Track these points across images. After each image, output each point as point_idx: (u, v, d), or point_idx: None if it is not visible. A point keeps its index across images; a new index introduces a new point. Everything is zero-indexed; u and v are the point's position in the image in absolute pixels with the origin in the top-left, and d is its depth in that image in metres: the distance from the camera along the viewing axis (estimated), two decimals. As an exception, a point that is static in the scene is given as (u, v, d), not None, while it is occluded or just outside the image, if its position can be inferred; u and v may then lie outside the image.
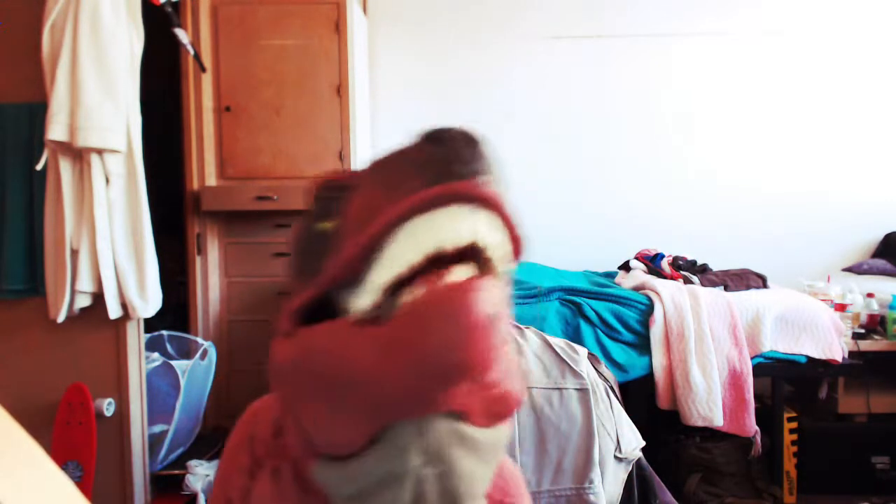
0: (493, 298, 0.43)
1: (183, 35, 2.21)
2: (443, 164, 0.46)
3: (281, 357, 0.57)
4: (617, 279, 2.93)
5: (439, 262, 0.47)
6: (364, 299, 0.49)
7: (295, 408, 0.58)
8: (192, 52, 2.32)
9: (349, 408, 0.52)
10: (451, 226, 0.46)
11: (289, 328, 0.59)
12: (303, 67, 2.86)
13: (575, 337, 2.42)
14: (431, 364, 0.42)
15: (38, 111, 1.87)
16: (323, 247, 0.55)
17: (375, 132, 3.46)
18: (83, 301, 1.88)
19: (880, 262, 3.12)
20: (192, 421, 2.46)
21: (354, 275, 0.49)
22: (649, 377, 2.45)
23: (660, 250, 2.94)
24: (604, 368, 2.08)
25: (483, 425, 0.56)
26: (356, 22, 3.01)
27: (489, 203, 0.48)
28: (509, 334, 0.58)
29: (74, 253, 1.84)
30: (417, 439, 0.55)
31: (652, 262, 2.88)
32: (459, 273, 0.47)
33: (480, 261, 0.49)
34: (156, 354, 2.42)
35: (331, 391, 0.52)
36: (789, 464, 2.56)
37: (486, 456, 0.60)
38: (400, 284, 0.49)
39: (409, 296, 0.46)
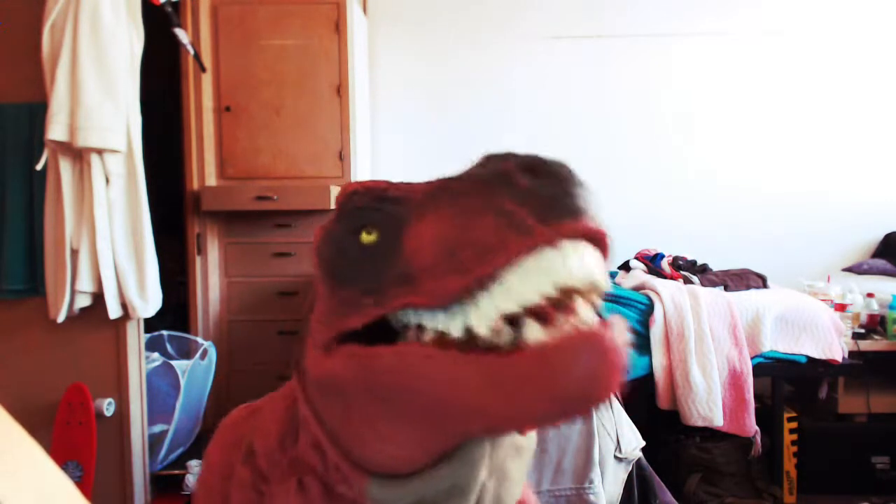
0: (624, 339, 0.43)
1: (183, 35, 2.21)
2: (553, 199, 0.45)
3: (333, 372, 0.55)
4: (617, 279, 2.93)
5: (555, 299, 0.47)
6: (456, 324, 0.48)
7: (348, 425, 0.57)
8: (192, 52, 2.32)
9: (430, 428, 0.51)
10: (568, 264, 0.45)
11: (329, 342, 0.57)
12: (303, 67, 2.86)
13: (575, 337, 2.42)
14: (567, 398, 0.42)
15: (38, 111, 1.87)
16: (366, 259, 0.54)
17: (375, 132, 3.46)
18: (83, 301, 1.88)
19: (880, 262, 3.12)
20: (192, 421, 2.46)
21: (452, 303, 0.48)
22: (649, 377, 2.45)
23: (660, 250, 2.94)
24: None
25: (529, 432, 0.57)
26: (356, 22, 3.01)
27: (602, 242, 0.48)
28: None
29: (74, 253, 1.84)
30: (488, 453, 0.57)
31: (652, 262, 2.88)
32: (582, 310, 0.47)
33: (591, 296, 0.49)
34: (156, 354, 2.42)
35: (411, 412, 0.51)
36: (789, 464, 2.56)
37: (527, 459, 0.63)
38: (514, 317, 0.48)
39: (536, 329, 0.45)
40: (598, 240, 0.48)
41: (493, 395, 0.44)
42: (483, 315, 0.47)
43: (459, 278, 0.46)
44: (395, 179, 0.58)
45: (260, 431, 0.74)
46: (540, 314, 0.47)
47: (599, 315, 0.48)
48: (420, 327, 0.52)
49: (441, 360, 0.47)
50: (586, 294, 0.48)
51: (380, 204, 0.55)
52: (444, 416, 0.49)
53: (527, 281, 0.45)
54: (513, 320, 0.48)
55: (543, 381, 0.42)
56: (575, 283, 0.46)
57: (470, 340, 0.48)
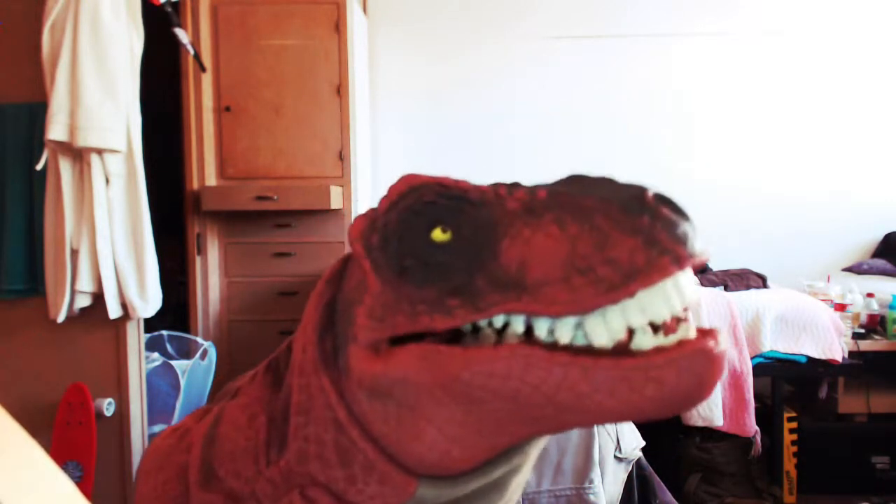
0: (726, 347, 0.48)
1: (183, 35, 2.21)
2: (687, 234, 0.51)
3: (399, 373, 0.54)
4: (617, 279, 2.93)
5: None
6: (567, 331, 0.50)
7: (405, 427, 0.56)
8: (192, 52, 2.32)
9: (508, 428, 0.53)
10: (676, 295, 0.50)
11: (378, 341, 0.56)
12: (303, 67, 2.86)
13: (575, 337, 2.42)
14: (677, 402, 0.46)
15: (38, 111, 1.87)
16: (444, 259, 0.53)
17: (375, 132, 3.46)
18: (83, 301, 1.88)
19: (880, 262, 3.12)
20: (192, 421, 2.46)
21: (579, 314, 0.50)
22: (649, 377, 2.45)
23: (660, 250, 2.94)
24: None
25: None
26: (356, 22, 3.01)
27: (699, 268, 0.53)
28: None
29: (74, 253, 1.84)
30: (537, 449, 0.60)
31: (652, 262, 2.87)
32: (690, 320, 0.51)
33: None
34: (156, 354, 2.42)
35: (499, 414, 0.52)
36: (789, 464, 2.56)
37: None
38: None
39: (648, 336, 0.49)
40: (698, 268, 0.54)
41: (604, 396, 0.47)
42: (609, 328, 0.49)
43: (600, 292, 0.48)
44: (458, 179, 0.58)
45: (222, 453, 0.70)
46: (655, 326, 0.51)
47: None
48: (497, 331, 0.53)
49: (547, 362, 0.48)
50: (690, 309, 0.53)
51: (456, 203, 0.54)
52: (540, 416, 0.50)
53: (663, 300, 0.49)
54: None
55: (667, 384, 0.46)
56: (678, 312, 0.50)
57: (561, 344, 0.50)
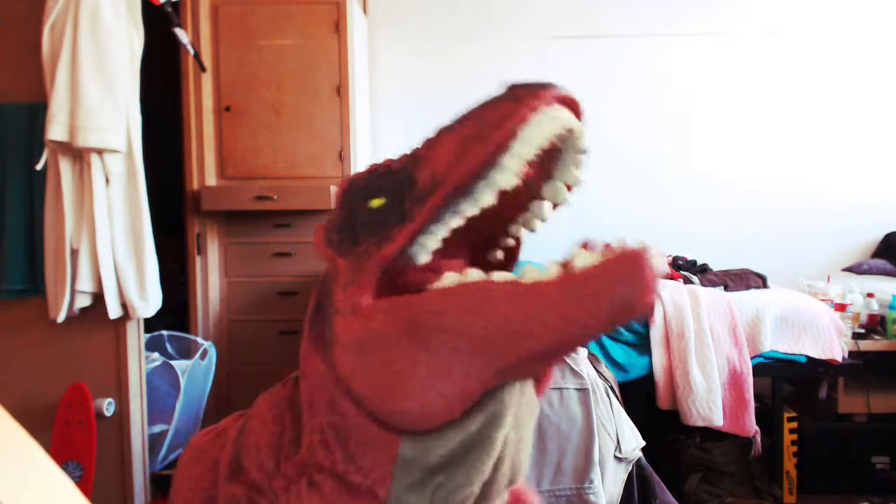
0: (658, 258, 0.52)
1: (183, 35, 2.21)
2: (544, 83, 0.58)
3: (372, 327, 0.59)
4: (617, 279, 2.93)
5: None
6: (486, 196, 0.57)
7: (387, 380, 0.59)
8: (192, 52, 2.32)
9: (473, 365, 0.56)
10: (558, 120, 0.57)
11: (356, 305, 0.61)
12: (303, 67, 2.86)
13: (575, 337, 2.42)
14: (617, 310, 0.50)
15: (38, 111, 1.87)
16: (381, 214, 0.61)
17: (375, 132, 3.46)
18: (83, 301, 1.88)
19: (880, 262, 3.12)
20: (192, 421, 2.46)
21: (480, 177, 0.57)
22: (649, 377, 2.45)
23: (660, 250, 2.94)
24: (604, 368, 2.08)
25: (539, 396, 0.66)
26: (356, 22, 3.01)
27: (573, 101, 0.60)
28: None
29: (74, 253, 1.84)
30: (518, 398, 0.62)
31: (652, 262, 2.87)
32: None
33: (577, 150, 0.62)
34: (156, 354, 2.42)
35: (462, 348, 0.55)
36: (789, 464, 2.56)
37: (534, 422, 0.69)
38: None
39: (584, 257, 0.53)
40: (573, 107, 0.60)
41: (552, 315, 0.51)
42: (509, 171, 0.56)
43: (483, 146, 0.55)
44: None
45: (248, 446, 0.74)
46: (586, 246, 0.56)
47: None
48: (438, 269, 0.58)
49: (498, 291, 0.53)
50: (574, 143, 0.61)
51: (382, 176, 0.64)
52: (498, 348, 0.54)
53: (538, 130, 0.56)
54: (560, 264, 0.56)
55: (603, 293, 0.49)
56: (568, 127, 0.58)
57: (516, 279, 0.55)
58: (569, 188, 0.65)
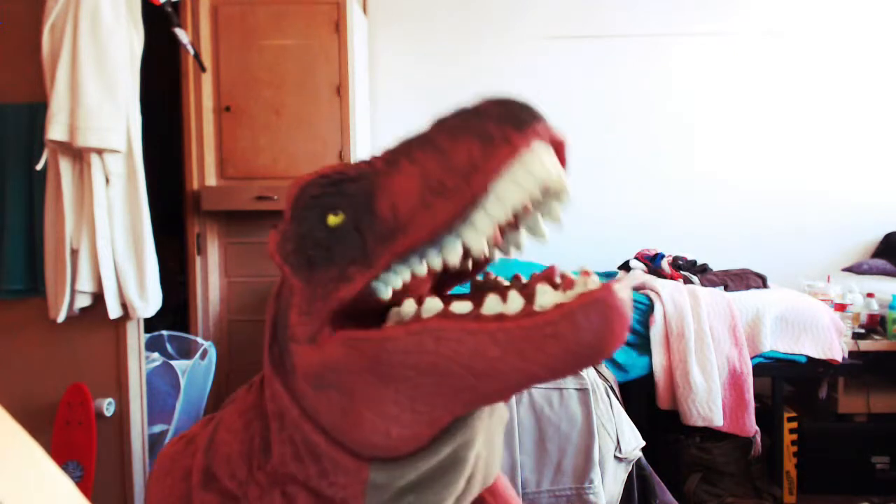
0: (628, 297, 0.48)
1: (183, 35, 2.21)
2: (521, 113, 0.50)
3: (330, 360, 0.57)
4: (617, 279, 2.93)
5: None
6: (453, 252, 0.52)
7: (349, 414, 0.58)
8: (192, 52, 2.32)
9: (443, 402, 0.54)
10: (542, 165, 0.51)
11: (314, 334, 0.58)
12: (303, 67, 2.86)
13: (575, 337, 2.42)
14: (583, 354, 0.47)
15: (38, 111, 1.87)
16: (340, 238, 0.57)
17: (375, 132, 3.46)
18: (83, 301, 1.88)
19: (880, 262, 3.12)
20: (192, 421, 2.46)
21: (446, 232, 0.51)
22: (649, 377, 2.45)
23: (660, 250, 2.94)
24: (604, 368, 2.08)
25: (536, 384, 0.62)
26: (356, 22, 3.01)
27: (561, 148, 0.54)
28: None
29: (74, 253, 1.84)
30: (485, 422, 0.61)
31: (652, 262, 2.87)
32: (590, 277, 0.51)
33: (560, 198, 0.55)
34: (156, 354, 2.42)
35: (425, 388, 0.53)
36: (789, 464, 2.56)
37: (503, 429, 0.67)
38: (489, 285, 0.54)
39: (548, 295, 0.49)
40: (557, 145, 0.54)
41: (515, 358, 0.48)
42: (479, 230, 0.51)
43: (451, 202, 0.50)
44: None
45: (219, 455, 0.73)
46: (550, 280, 0.52)
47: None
48: (412, 301, 0.55)
49: (457, 332, 0.50)
50: (555, 203, 0.54)
51: (339, 187, 0.58)
52: (462, 386, 0.52)
53: (514, 185, 0.50)
54: (523, 290, 0.52)
55: (566, 338, 0.47)
56: (550, 181, 0.51)
57: (476, 313, 0.52)
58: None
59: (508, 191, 0.50)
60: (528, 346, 0.48)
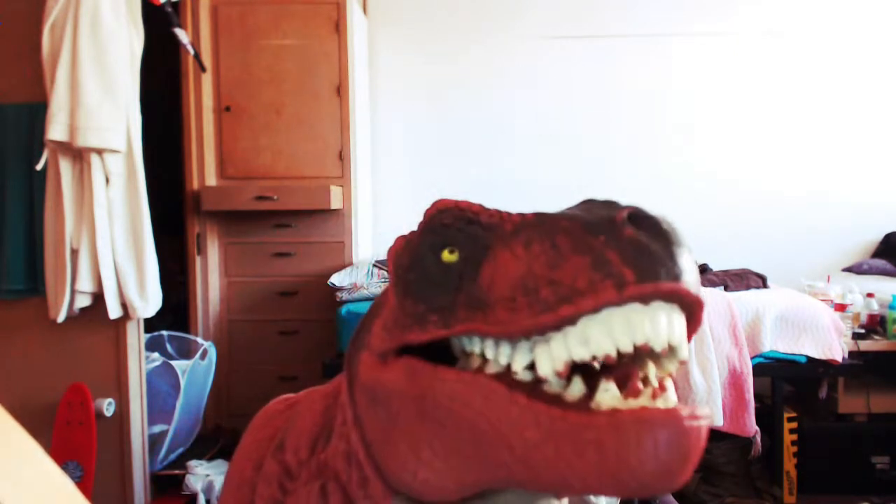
0: (707, 425, 0.41)
1: (183, 35, 2.21)
2: (654, 257, 0.43)
3: (387, 381, 0.56)
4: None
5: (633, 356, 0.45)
6: (521, 360, 0.47)
7: (389, 440, 0.56)
8: (192, 52, 2.32)
9: (474, 464, 0.51)
10: (655, 325, 0.44)
11: (387, 351, 0.57)
12: (303, 67, 2.86)
13: (575, 337, 2.42)
14: (630, 477, 0.40)
15: (38, 111, 1.87)
16: (443, 278, 0.54)
17: (375, 132, 3.46)
18: (83, 301, 1.88)
19: (880, 262, 3.11)
20: (192, 421, 2.46)
21: (521, 337, 0.47)
22: (649, 377, 2.45)
23: (660, 250, 2.94)
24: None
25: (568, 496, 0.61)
26: (356, 22, 3.01)
27: (695, 310, 0.47)
28: None
29: (74, 253, 1.84)
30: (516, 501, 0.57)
31: (652, 262, 2.87)
32: (667, 384, 0.45)
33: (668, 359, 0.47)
34: (156, 354, 2.42)
35: (460, 442, 0.50)
36: (789, 464, 2.55)
37: None
38: (584, 367, 0.47)
39: (613, 392, 0.44)
40: (690, 306, 0.47)
41: (550, 450, 0.43)
42: (551, 356, 0.46)
43: (534, 314, 0.45)
44: (487, 205, 0.57)
45: (294, 429, 0.75)
46: (620, 377, 0.45)
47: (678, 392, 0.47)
48: (484, 357, 0.52)
49: (505, 399, 0.46)
50: (663, 359, 0.47)
51: (468, 226, 0.55)
52: (496, 459, 0.48)
53: (606, 332, 0.43)
54: (589, 375, 0.47)
55: (607, 452, 0.40)
56: (655, 344, 0.44)
57: (537, 385, 0.47)
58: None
59: (596, 336, 0.43)
60: (567, 443, 0.42)
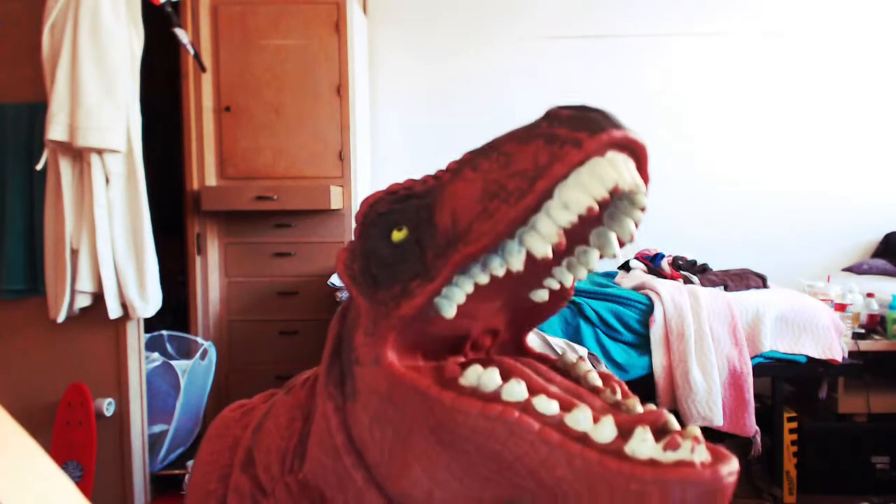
0: (736, 478, 0.43)
1: (183, 35, 2.21)
2: (595, 118, 0.47)
3: (399, 399, 0.54)
4: (617, 279, 2.93)
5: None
6: (516, 259, 0.49)
7: (397, 458, 0.55)
8: (192, 52, 2.32)
9: (488, 485, 0.50)
10: (614, 168, 0.47)
11: (378, 356, 0.56)
12: (303, 67, 2.86)
13: (575, 337, 2.42)
14: None
15: (38, 111, 1.87)
16: (402, 253, 0.55)
17: (375, 132, 3.46)
18: (83, 301, 1.88)
19: (880, 262, 3.11)
20: (192, 421, 2.46)
21: (506, 237, 0.49)
22: (649, 377, 2.45)
23: (660, 250, 2.94)
24: (604, 368, 2.08)
25: None
26: (356, 22, 3.01)
27: (641, 153, 0.50)
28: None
29: (74, 253, 1.84)
30: None
31: (652, 262, 2.87)
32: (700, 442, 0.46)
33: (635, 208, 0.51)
34: (156, 354, 2.42)
35: (477, 467, 0.50)
36: (789, 464, 2.56)
37: None
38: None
39: (647, 444, 0.45)
40: (637, 151, 0.50)
41: (584, 490, 0.44)
42: (543, 235, 0.48)
43: (512, 205, 0.47)
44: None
45: (261, 444, 0.73)
46: (657, 428, 0.46)
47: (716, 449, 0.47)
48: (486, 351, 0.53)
49: (535, 436, 0.46)
50: (631, 197, 0.51)
51: (405, 202, 0.57)
52: (520, 486, 0.48)
53: (581, 189, 0.46)
54: (616, 408, 0.49)
55: (642, 500, 0.41)
56: (623, 185, 0.47)
57: (562, 421, 0.47)
58: (620, 243, 0.55)
59: (574, 195, 0.46)
60: (604, 487, 0.43)
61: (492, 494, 0.52)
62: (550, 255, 0.48)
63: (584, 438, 0.46)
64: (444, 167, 0.56)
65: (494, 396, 0.51)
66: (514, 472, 0.48)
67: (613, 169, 0.47)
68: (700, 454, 0.45)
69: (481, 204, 0.49)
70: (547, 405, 0.48)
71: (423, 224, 0.54)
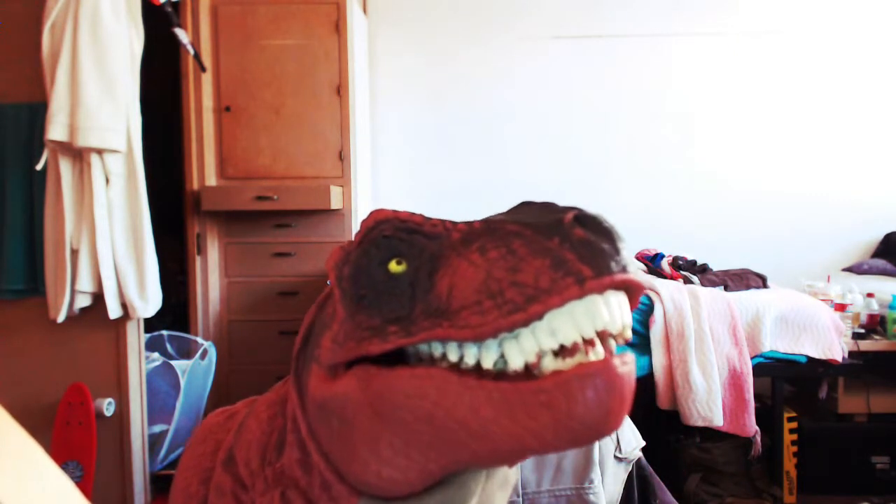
0: (633, 371, 0.46)
1: (183, 35, 2.21)
2: (604, 254, 0.48)
3: (341, 393, 0.57)
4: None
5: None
6: (489, 356, 0.51)
7: (347, 446, 0.58)
8: (192, 52, 2.32)
9: (437, 454, 0.53)
10: (608, 311, 0.49)
11: (337, 365, 0.58)
12: (303, 67, 2.86)
13: (575, 337, 2.42)
14: (578, 427, 0.45)
15: (38, 111, 1.87)
16: (394, 289, 0.56)
17: (375, 132, 3.46)
18: (83, 301, 1.88)
19: (880, 262, 3.12)
20: (192, 421, 2.46)
21: (491, 337, 0.50)
22: (649, 377, 2.45)
23: (660, 250, 2.94)
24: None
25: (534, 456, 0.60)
26: (356, 22, 3.01)
27: (637, 292, 0.52)
28: None
29: (74, 253, 1.84)
30: (482, 484, 0.59)
31: (652, 262, 2.87)
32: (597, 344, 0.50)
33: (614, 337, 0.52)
34: (156, 354, 2.42)
35: (421, 436, 0.53)
36: (789, 464, 2.56)
37: (510, 492, 0.65)
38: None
39: (550, 358, 0.48)
40: (634, 291, 0.51)
41: (507, 421, 0.47)
42: (522, 350, 0.50)
43: (504, 314, 0.49)
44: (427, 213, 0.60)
45: (242, 440, 0.74)
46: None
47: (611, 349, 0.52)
48: (433, 357, 0.54)
49: (458, 384, 0.49)
50: (616, 336, 0.52)
51: (411, 237, 0.57)
52: (456, 442, 0.51)
53: (571, 322, 0.48)
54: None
55: (558, 409, 0.45)
56: (612, 328, 0.49)
57: (480, 368, 0.51)
58: None
59: (563, 327, 0.48)
60: (521, 410, 0.46)
61: (437, 465, 0.54)
62: (523, 368, 0.51)
63: (501, 375, 0.49)
64: (453, 221, 0.57)
65: (429, 360, 0.54)
66: (449, 431, 0.50)
67: (608, 311, 0.49)
68: (595, 354, 0.48)
69: (478, 296, 0.50)
70: (470, 357, 0.52)
71: (422, 272, 0.55)
